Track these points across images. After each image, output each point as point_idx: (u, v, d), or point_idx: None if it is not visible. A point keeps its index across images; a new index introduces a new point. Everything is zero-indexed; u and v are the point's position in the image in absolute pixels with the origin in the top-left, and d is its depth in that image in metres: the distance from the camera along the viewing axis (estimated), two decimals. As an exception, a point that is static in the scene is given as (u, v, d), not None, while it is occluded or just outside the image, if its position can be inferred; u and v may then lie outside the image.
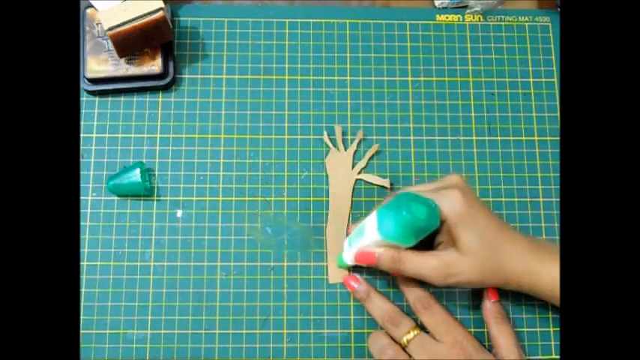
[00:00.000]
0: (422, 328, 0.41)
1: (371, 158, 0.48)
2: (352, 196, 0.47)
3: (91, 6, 0.46)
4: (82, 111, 0.48)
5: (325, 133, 0.48)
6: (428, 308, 0.41)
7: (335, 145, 0.48)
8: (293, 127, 0.48)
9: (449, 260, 0.39)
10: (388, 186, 0.47)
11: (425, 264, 0.39)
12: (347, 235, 0.45)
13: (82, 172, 0.47)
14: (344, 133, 0.48)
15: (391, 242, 0.39)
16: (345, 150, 0.48)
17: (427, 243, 0.41)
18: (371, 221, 0.40)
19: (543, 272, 0.39)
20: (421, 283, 0.42)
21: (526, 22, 0.51)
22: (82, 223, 0.46)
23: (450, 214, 0.39)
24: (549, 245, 0.41)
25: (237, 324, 0.44)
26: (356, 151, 0.48)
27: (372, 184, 0.47)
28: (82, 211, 0.46)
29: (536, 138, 0.49)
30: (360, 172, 0.47)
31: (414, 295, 0.42)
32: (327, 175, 0.47)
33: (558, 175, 0.48)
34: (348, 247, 0.43)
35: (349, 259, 0.42)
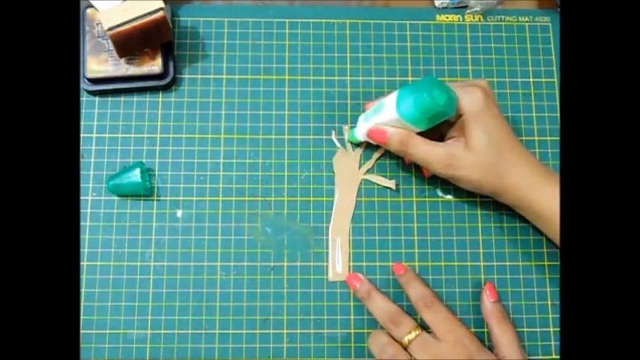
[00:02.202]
0: (423, 328, 0.41)
1: (378, 159, 0.48)
2: (357, 196, 0.47)
3: (91, 6, 0.46)
4: (82, 111, 0.48)
5: (333, 132, 0.48)
6: (430, 307, 0.41)
7: (343, 144, 0.48)
8: (293, 127, 0.48)
9: (455, 152, 0.41)
10: (394, 187, 0.47)
11: (432, 150, 0.41)
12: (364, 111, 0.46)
13: (82, 172, 0.47)
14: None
15: (406, 123, 0.41)
16: (353, 150, 0.48)
17: (438, 139, 0.43)
18: (391, 99, 0.41)
19: (545, 192, 0.40)
20: (420, 282, 0.42)
21: (526, 22, 0.51)
22: (82, 223, 0.46)
23: (467, 109, 0.41)
24: (553, 172, 0.42)
25: (237, 324, 0.44)
26: (363, 151, 0.48)
27: (376, 184, 0.47)
28: (82, 211, 0.46)
29: (536, 138, 0.49)
30: (366, 173, 0.47)
31: (416, 293, 0.42)
32: (327, 175, 0.47)
33: (558, 175, 0.48)
34: (363, 122, 0.45)
35: (361, 134, 0.45)
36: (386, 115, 0.42)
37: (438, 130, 0.43)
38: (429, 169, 0.42)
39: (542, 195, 0.41)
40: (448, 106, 0.40)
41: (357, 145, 0.48)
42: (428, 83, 0.40)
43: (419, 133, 0.42)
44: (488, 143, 0.40)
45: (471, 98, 0.41)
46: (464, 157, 0.41)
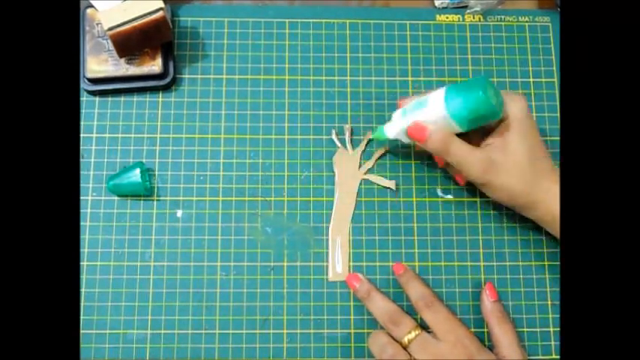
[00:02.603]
0: (423, 328, 0.41)
1: (378, 159, 0.48)
2: (357, 196, 0.47)
3: (91, 6, 0.46)
4: (82, 111, 0.48)
5: (333, 131, 0.48)
6: (430, 306, 0.41)
7: (344, 144, 0.48)
8: (293, 127, 0.48)
9: (495, 157, 0.40)
10: (394, 187, 0.47)
11: (473, 153, 0.40)
12: (398, 107, 0.44)
13: (82, 172, 0.47)
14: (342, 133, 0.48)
15: (452, 121, 0.40)
16: (353, 149, 0.48)
17: (475, 143, 0.42)
18: (437, 96, 0.40)
19: None
20: (420, 281, 0.42)
21: (526, 22, 0.51)
22: (82, 223, 0.46)
23: (513, 115, 0.40)
24: None
25: (237, 324, 0.44)
26: (364, 151, 0.48)
27: (376, 184, 0.47)
28: (82, 211, 0.46)
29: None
30: (366, 173, 0.47)
31: (416, 293, 0.42)
32: (327, 175, 0.47)
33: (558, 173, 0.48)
34: (400, 117, 0.43)
35: (395, 131, 0.43)
36: (430, 112, 0.40)
37: (477, 134, 0.42)
38: (467, 173, 0.41)
39: None
40: (498, 107, 0.39)
41: (371, 143, 0.47)
42: (482, 81, 0.39)
43: (458, 135, 0.41)
44: (528, 152, 0.40)
45: (516, 105, 0.41)
46: (504, 164, 0.40)
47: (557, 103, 0.49)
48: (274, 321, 0.45)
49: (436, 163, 0.47)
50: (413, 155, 0.48)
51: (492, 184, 0.41)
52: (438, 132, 0.41)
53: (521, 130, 0.40)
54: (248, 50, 0.50)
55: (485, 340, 0.44)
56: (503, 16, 0.51)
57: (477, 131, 0.42)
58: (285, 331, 0.44)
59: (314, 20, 0.51)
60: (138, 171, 0.45)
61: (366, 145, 0.48)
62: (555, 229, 0.42)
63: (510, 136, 0.40)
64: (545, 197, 0.41)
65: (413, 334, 0.40)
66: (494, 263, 0.46)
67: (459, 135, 0.41)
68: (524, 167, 0.40)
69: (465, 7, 0.51)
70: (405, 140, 0.44)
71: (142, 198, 0.46)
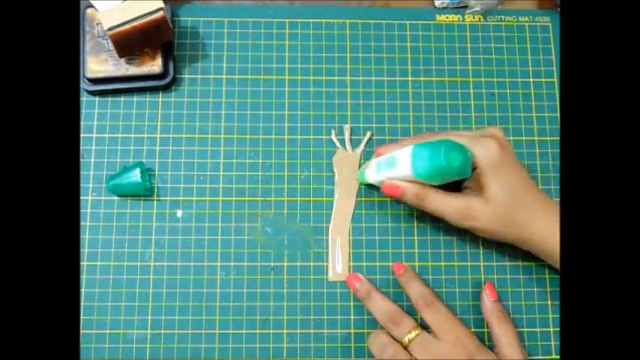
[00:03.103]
0: (423, 327, 0.41)
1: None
2: (357, 196, 0.47)
3: (91, 6, 0.46)
4: (82, 111, 0.48)
5: (333, 132, 0.48)
6: (430, 306, 0.41)
7: (343, 144, 0.48)
8: (293, 127, 0.48)
9: (471, 204, 0.40)
10: None
11: (448, 203, 0.41)
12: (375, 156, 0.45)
13: (82, 172, 0.47)
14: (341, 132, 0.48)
15: (419, 180, 0.40)
16: (353, 150, 0.48)
17: (454, 187, 0.42)
18: (404, 156, 0.41)
19: None
20: (421, 281, 0.42)
21: (526, 22, 0.51)
22: (82, 223, 0.46)
23: (482, 162, 0.40)
24: None
25: (237, 324, 0.44)
26: (363, 151, 0.48)
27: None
28: (82, 211, 0.46)
29: (536, 138, 0.49)
30: None
31: (416, 292, 0.42)
32: (327, 175, 0.47)
33: (558, 175, 0.48)
34: (375, 172, 0.44)
35: (373, 180, 0.44)
36: (400, 171, 0.41)
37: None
38: (447, 219, 0.42)
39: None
40: (463, 169, 0.39)
41: (371, 143, 0.48)
42: (444, 146, 0.38)
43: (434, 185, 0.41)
44: (505, 195, 0.40)
45: (484, 151, 0.40)
46: (481, 209, 0.40)
47: (557, 103, 0.49)
48: (274, 321, 0.45)
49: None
50: (413, 155, 0.48)
51: (474, 229, 0.41)
52: (411, 188, 0.41)
53: (493, 176, 0.40)
54: (248, 50, 0.50)
55: (486, 340, 0.44)
56: (503, 16, 0.51)
57: None
58: (285, 331, 0.44)
59: (314, 20, 0.51)
60: (138, 171, 0.45)
61: (366, 145, 0.48)
62: (552, 260, 0.42)
63: (483, 182, 0.40)
64: (536, 231, 0.40)
65: (413, 334, 0.41)
66: (494, 263, 0.46)
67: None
68: (503, 210, 0.40)
69: (465, 7, 0.51)
70: (377, 183, 0.44)
71: (142, 198, 0.46)
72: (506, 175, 0.40)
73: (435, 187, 0.41)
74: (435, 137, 0.42)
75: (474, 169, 0.40)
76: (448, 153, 0.38)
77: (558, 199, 0.47)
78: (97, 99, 0.48)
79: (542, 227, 0.40)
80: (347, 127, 0.48)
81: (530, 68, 0.50)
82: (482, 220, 0.40)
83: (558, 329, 0.45)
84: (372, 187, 0.47)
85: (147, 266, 0.45)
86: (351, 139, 0.48)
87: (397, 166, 0.41)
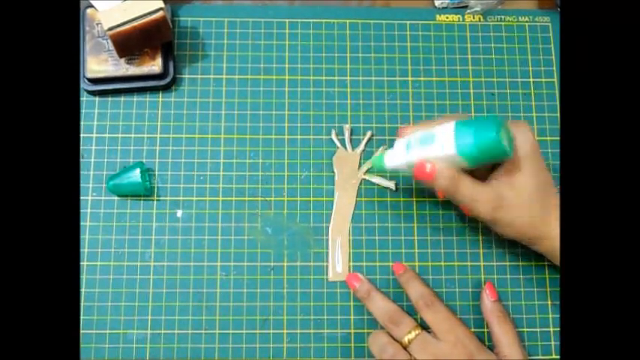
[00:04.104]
0: (423, 327, 0.41)
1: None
2: (357, 196, 0.47)
3: (91, 6, 0.46)
4: (82, 111, 0.48)
5: (333, 131, 0.48)
6: (430, 306, 0.41)
7: (343, 144, 0.48)
8: (293, 127, 0.48)
9: (504, 193, 0.39)
10: (394, 188, 0.47)
11: (480, 192, 0.39)
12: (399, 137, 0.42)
13: (82, 172, 0.47)
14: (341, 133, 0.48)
15: (459, 159, 0.37)
16: (353, 149, 0.48)
17: (481, 176, 0.40)
18: (445, 132, 0.38)
19: None
20: (421, 280, 0.42)
21: (526, 22, 0.51)
22: (82, 223, 0.46)
23: (521, 150, 0.39)
24: None
25: (237, 324, 0.44)
26: (363, 151, 0.48)
27: (376, 184, 0.47)
28: (82, 211, 0.46)
29: (536, 138, 0.49)
30: (366, 172, 0.47)
31: (416, 292, 0.42)
32: (327, 175, 0.47)
33: (558, 175, 0.48)
34: (404, 151, 0.40)
35: (398, 163, 0.41)
36: (438, 149, 0.38)
37: (480, 169, 0.40)
38: (476, 211, 0.39)
39: None
40: (510, 147, 0.37)
41: (371, 143, 0.47)
42: (495, 120, 0.37)
43: (464, 170, 0.39)
44: (536, 187, 0.39)
45: (524, 137, 0.39)
46: (513, 199, 0.39)
47: (557, 103, 0.49)
48: (274, 321, 0.45)
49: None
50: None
51: (502, 221, 0.39)
52: (446, 171, 0.38)
53: (530, 166, 0.39)
54: (248, 50, 0.50)
55: (486, 340, 0.44)
56: (503, 16, 0.51)
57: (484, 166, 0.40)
58: (285, 331, 0.44)
59: (314, 20, 0.51)
60: (138, 171, 0.45)
61: (366, 144, 0.48)
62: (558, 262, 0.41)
63: (519, 172, 0.39)
64: (549, 233, 0.39)
65: (413, 334, 0.40)
66: (494, 263, 0.46)
67: (469, 169, 0.39)
68: (533, 203, 0.39)
69: (465, 7, 0.51)
70: (405, 171, 0.41)
71: (142, 198, 0.46)
72: (537, 170, 0.39)
73: (466, 173, 0.39)
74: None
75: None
76: (499, 128, 0.36)
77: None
78: (97, 99, 0.48)
79: (556, 233, 0.39)
80: (347, 127, 0.48)
81: (530, 68, 0.50)
82: (513, 211, 0.39)
83: (558, 329, 0.45)
84: (371, 185, 0.47)
85: (147, 266, 0.45)
86: (351, 139, 0.48)
87: (435, 142, 0.38)
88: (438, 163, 0.38)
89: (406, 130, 0.41)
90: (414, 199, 0.47)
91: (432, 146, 0.38)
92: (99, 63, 0.47)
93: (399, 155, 0.41)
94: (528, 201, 0.39)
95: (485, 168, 0.40)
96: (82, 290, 0.45)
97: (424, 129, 0.40)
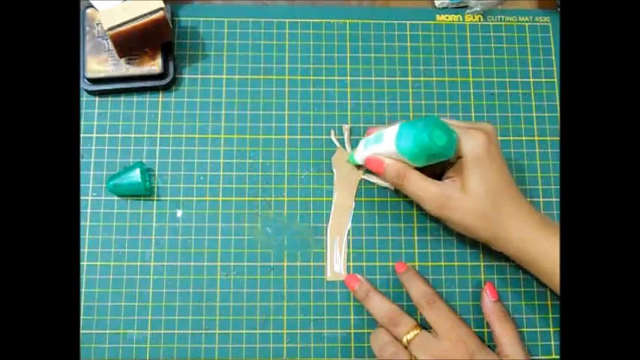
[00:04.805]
0: (422, 327, 0.41)
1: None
2: (356, 196, 0.47)
3: (91, 6, 0.46)
4: (82, 111, 0.48)
5: (332, 131, 0.48)
6: (432, 304, 0.41)
7: (342, 144, 0.48)
8: (293, 127, 0.48)
9: (450, 193, 0.40)
10: (393, 188, 0.47)
11: (427, 187, 0.41)
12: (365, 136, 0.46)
13: (82, 172, 0.47)
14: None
15: (403, 158, 0.40)
16: (352, 149, 0.48)
17: (438, 175, 0.42)
18: (391, 132, 0.41)
19: (545, 245, 0.39)
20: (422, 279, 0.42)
21: (526, 22, 0.51)
22: (82, 223, 0.46)
23: (467, 152, 0.40)
24: (554, 223, 0.41)
25: (237, 324, 0.44)
26: None
27: (374, 184, 0.47)
28: (82, 211, 0.46)
29: (536, 138, 0.49)
30: (365, 172, 0.47)
31: (417, 291, 0.42)
32: (327, 175, 0.47)
33: (558, 175, 0.48)
34: (363, 148, 0.45)
35: (360, 159, 0.45)
36: (385, 147, 0.41)
37: (437, 167, 0.42)
38: (423, 207, 0.41)
39: (542, 248, 0.39)
40: (447, 148, 0.39)
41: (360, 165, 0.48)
42: (429, 123, 0.39)
43: (416, 168, 0.41)
44: (485, 190, 0.39)
45: (472, 142, 0.40)
46: (458, 200, 0.40)
47: (557, 103, 0.49)
48: (274, 321, 0.45)
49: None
50: (413, 155, 0.48)
51: (449, 220, 0.41)
52: (393, 165, 0.41)
53: (476, 168, 0.40)
54: (248, 50, 0.50)
55: (486, 340, 0.44)
56: (503, 16, 0.51)
57: (440, 164, 0.41)
58: (285, 331, 0.44)
59: (314, 20, 0.51)
60: (138, 171, 0.45)
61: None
62: (527, 266, 0.41)
63: (465, 173, 0.40)
64: (510, 233, 0.40)
65: (412, 334, 0.40)
66: (494, 263, 0.46)
67: (422, 168, 0.41)
68: (481, 204, 0.40)
69: (465, 7, 0.51)
70: (364, 161, 0.44)
71: (142, 198, 0.46)
72: (488, 170, 0.40)
73: (417, 170, 0.41)
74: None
75: (459, 158, 0.41)
76: (433, 130, 0.38)
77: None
78: (97, 99, 0.48)
79: (517, 230, 0.40)
80: (346, 127, 0.48)
81: (530, 68, 0.50)
82: (460, 212, 0.40)
83: (558, 329, 0.45)
84: (371, 185, 0.47)
85: (147, 266, 0.45)
86: (350, 139, 0.48)
87: (383, 141, 0.42)
88: (387, 159, 0.42)
89: (371, 130, 0.45)
90: (414, 199, 0.47)
91: (381, 145, 0.42)
92: (99, 63, 0.47)
93: (360, 152, 0.45)
94: (476, 203, 0.40)
95: (441, 168, 0.42)
96: (82, 290, 0.45)
97: (379, 130, 0.43)
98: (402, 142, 0.40)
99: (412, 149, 0.39)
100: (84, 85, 0.47)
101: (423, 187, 0.41)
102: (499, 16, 0.51)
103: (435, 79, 0.50)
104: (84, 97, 0.48)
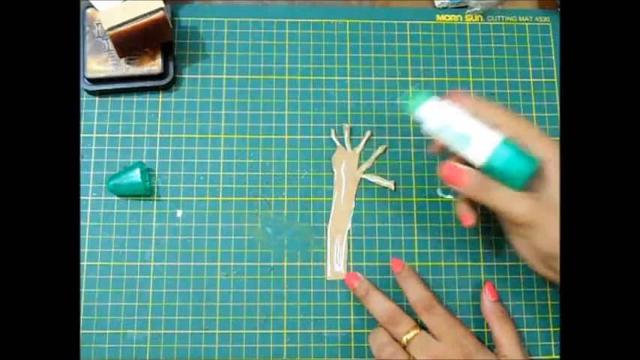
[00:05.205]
0: (422, 327, 0.41)
1: (377, 158, 0.48)
2: (356, 195, 0.47)
3: (91, 6, 0.46)
4: (82, 111, 0.48)
5: (333, 131, 0.48)
6: (429, 309, 0.41)
7: (343, 143, 0.48)
8: (293, 127, 0.48)
9: (542, 204, 0.35)
10: (393, 187, 0.47)
11: (515, 200, 0.36)
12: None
13: (82, 172, 0.47)
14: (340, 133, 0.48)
15: (487, 172, 0.36)
16: (352, 149, 0.48)
17: None
18: (485, 141, 0.36)
19: None
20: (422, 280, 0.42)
21: (526, 22, 0.51)
22: (82, 223, 0.46)
23: (552, 157, 0.36)
24: None
25: (237, 324, 0.44)
26: (362, 150, 0.48)
27: (374, 184, 0.47)
28: (82, 211, 0.46)
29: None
30: (365, 172, 0.47)
31: (415, 295, 0.42)
32: (327, 175, 0.47)
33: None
34: (435, 125, 0.37)
35: (428, 126, 0.38)
36: (470, 155, 0.36)
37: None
38: (506, 221, 0.37)
39: None
40: (524, 183, 0.36)
41: (370, 143, 0.47)
42: (531, 163, 0.36)
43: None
44: (557, 204, 0.35)
45: (553, 146, 0.36)
46: (549, 210, 0.35)
47: (557, 103, 0.49)
48: (274, 321, 0.45)
49: (435, 163, 0.47)
50: (413, 155, 0.48)
51: (534, 235, 0.36)
52: (476, 177, 0.36)
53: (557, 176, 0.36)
54: (248, 50, 0.50)
55: (486, 340, 0.44)
56: (503, 16, 0.51)
57: None
58: (285, 331, 0.44)
59: (314, 20, 0.51)
60: (138, 171, 0.45)
61: (365, 144, 0.48)
62: None
63: (551, 181, 0.36)
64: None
65: (412, 334, 0.40)
66: (494, 263, 0.46)
67: None
68: (557, 217, 0.35)
69: (465, 7, 0.51)
70: (426, 128, 0.38)
71: (142, 198, 0.46)
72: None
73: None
74: (515, 121, 0.37)
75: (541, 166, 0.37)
76: (532, 171, 0.35)
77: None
78: (97, 99, 0.48)
79: None
80: (346, 127, 0.48)
81: (530, 68, 0.50)
82: (549, 225, 0.35)
83: (558, 329, 0.45)
84: (371, 185, 0.47)
85: (147, 266, 0.45)
86: (350, 139, 0.48)
87: (469, 147, 0.36)
88: (470, 169, 0.37)
89: (457, 96, 0.38)
90: (414, 199, 0.47)
91: (467, 151, 0.37)
92: (99, 63, 0.47)
93: (432, 121, 0.37)
94: (556, 219, 0.35)
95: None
96: (82, 290, 0.45)
97: (468, 122, 0.37)
98: (499, 158, 0.35)
99: (503, 174, 0.36)
100: (84, 85, 0.47)
101: (510, 200, 0.36)
102: (499, 16, 0.51)
103: (435, 79, 0.50)
104: (84, 97, 0.48)
